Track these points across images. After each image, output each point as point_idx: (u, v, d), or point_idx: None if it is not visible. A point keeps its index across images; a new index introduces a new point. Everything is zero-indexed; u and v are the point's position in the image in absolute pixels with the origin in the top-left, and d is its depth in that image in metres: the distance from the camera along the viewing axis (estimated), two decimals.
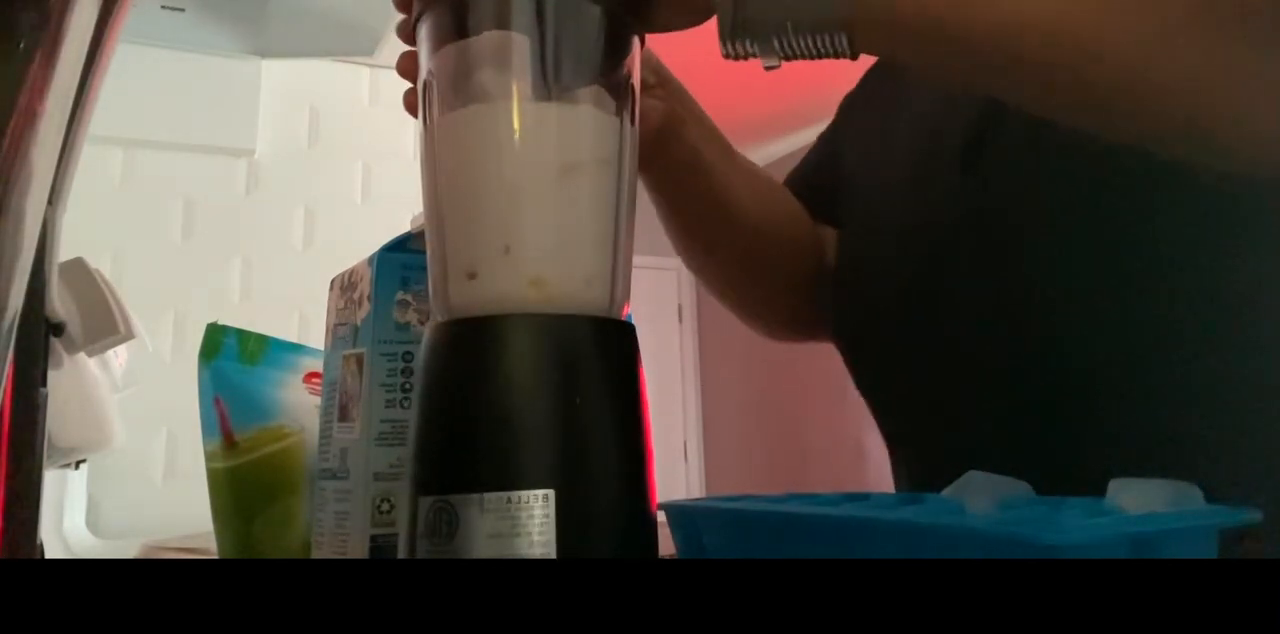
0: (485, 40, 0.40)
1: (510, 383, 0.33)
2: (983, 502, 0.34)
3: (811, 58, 0.36)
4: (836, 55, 0.36)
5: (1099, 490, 0.36)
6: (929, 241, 0.58)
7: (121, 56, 0.60)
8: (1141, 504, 0.34)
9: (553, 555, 0.33)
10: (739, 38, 0.37)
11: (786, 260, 0.63)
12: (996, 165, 0.55)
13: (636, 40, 0.42)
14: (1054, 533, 0.29)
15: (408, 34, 0.43)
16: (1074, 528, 0.30)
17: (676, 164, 0.54)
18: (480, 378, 0.36)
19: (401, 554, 0.37)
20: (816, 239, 0.65)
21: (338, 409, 0.50)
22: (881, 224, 0.62)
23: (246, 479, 0.60)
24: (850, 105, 0.73)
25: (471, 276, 0.38)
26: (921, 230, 0.59)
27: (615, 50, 0.41)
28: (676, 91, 0.53)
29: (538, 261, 0.38)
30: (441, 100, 0.41)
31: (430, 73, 0.41)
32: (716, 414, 4.31)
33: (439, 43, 0.40)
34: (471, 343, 0.37)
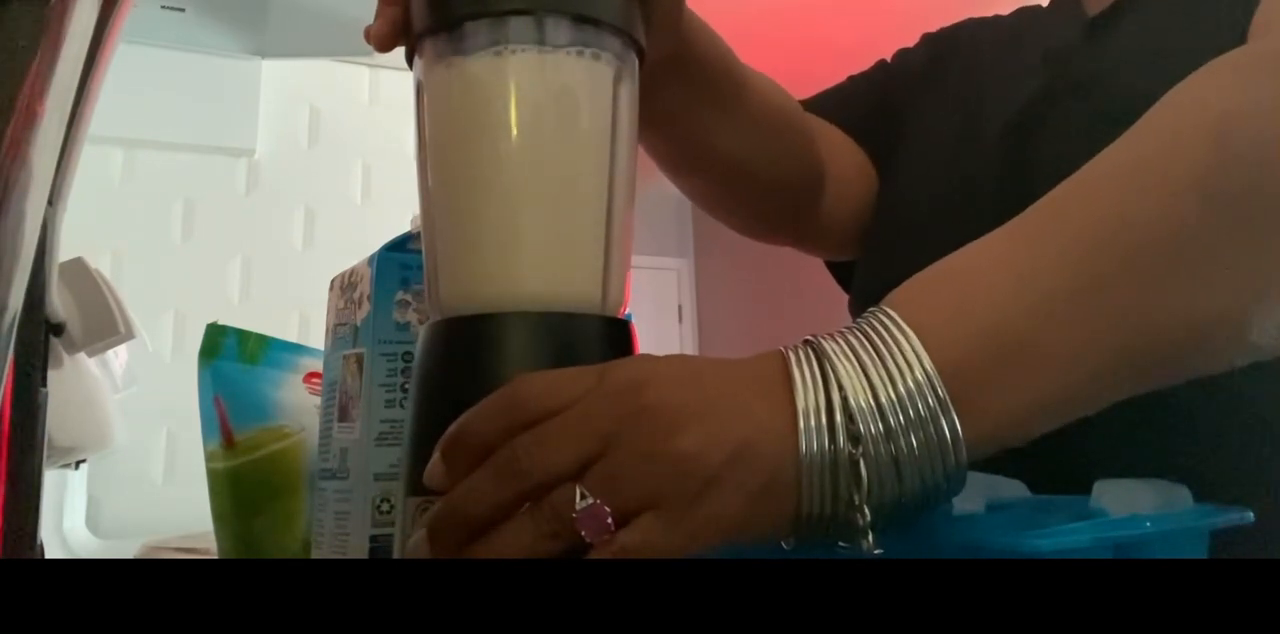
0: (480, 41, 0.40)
1: (501, 381, 0.33)
2: (971, 502, 0.35)
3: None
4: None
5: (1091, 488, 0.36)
6: (964, 219, 0.58)
7: (121, 56, 0.60)
8: (1126, 506, 0.34)
9: None
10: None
11: (786, 158, 0.63)
12: (1043, 145, 0.55)
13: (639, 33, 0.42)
14: (1027, 541, 0.29)
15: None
16: (1049, 535, 0.30)
17: (699, 51, 0.53)
18: (471, 376, 0.36)
19: (395, 554, 0.37)
20: (812, 141, 0.65)
21: (338, 409, 0.50)
22: (918, 195, 0.63)
23: (246, 479, 0.60)
24: (907, 60, 0.73)
25: (462, 274, 0.38)
26: (958, 206, 0.59)
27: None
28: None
29: (530, 259, 0.38)
30: (432, 95, 0.41)
31: (420, 83, 0.41)
32: None
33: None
34: (462, 341, 0.37)
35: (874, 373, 0.31)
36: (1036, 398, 0.32)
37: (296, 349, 0.65)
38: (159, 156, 1.49)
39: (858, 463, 0.30)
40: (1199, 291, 0.33)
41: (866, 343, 0.32)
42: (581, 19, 0.39)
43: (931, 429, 0.30)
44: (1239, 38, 0.47)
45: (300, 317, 1.50)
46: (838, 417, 0.30)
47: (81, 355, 0.81)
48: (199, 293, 1.47)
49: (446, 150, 0.40)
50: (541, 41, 0.39)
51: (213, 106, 1.52)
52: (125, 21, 0.56)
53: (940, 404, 0.30)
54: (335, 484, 0.49)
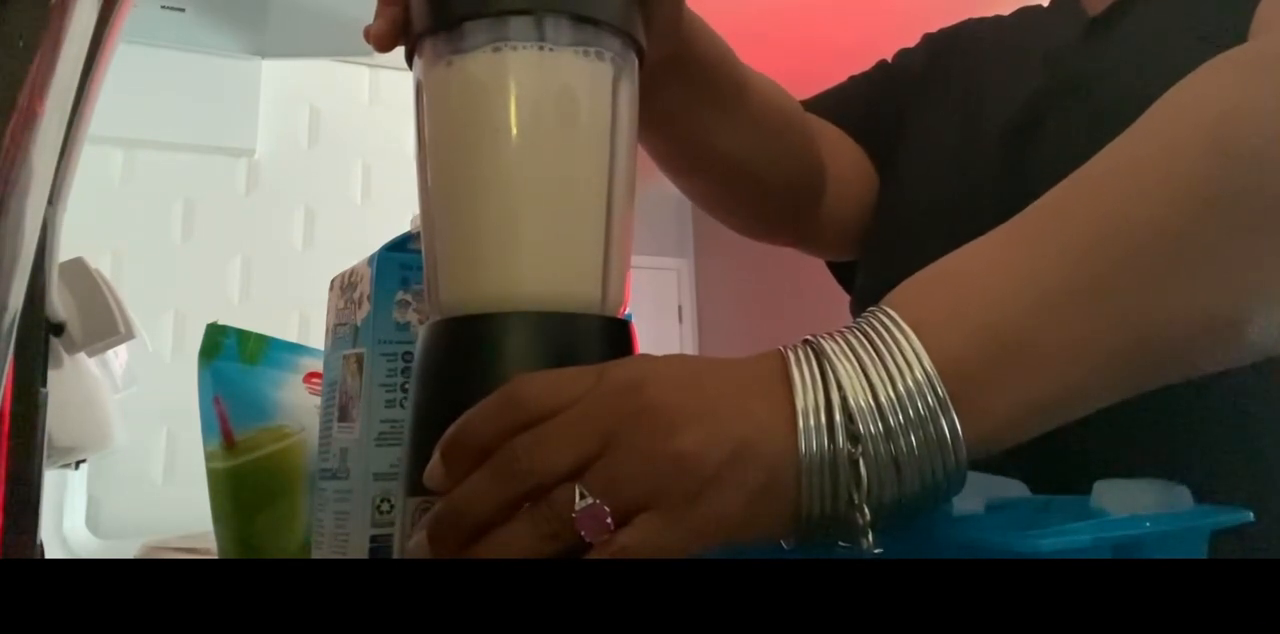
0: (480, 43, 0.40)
1: (501, 381, 0.33)
2: (971, 502, 0.35)
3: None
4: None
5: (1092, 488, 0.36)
6: (965, 219, 0.58)
7: (121, 56, 0.60)
8: (1126, 506, 0.34)
9: None
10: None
11: (786, 158, 0.63)
12: (1043, 145, 0.55)
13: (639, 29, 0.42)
14: (1027, 541, 0.29)
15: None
16: (1049, 535, 0.30)
17: (700, 54, 0.53)
18: (471, 376, 0.36)
19: (395, 554, 0.37)
20: (812, 141, 0.65)
21: (338, 409, 0.50)
22: (919, 195, 0.63)
23: (246, 479, 0.60)
24: (907, 60, 0.73)
25: (462, 274, 0.38)
26: (959, 206, 0.59)
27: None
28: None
29: (530, 259, 0.38)
30: (432, 95, 0.41)
31: (420, 83, 0.41)
32: None
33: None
34: (462, 341, 0.37)
35: (873, 372, 0.31)
36: (1036, 397, 0.32)
37: (296, 349, 0.65)
38: (159, 156, 1.49)
39: (857, 462, 0.30)
40: (1199, 291, 0.33)
41: (866, 342, 0.32)
42: (581, 19, 0.39)
43: (931, 428, 0.30)
44: (1239, 37, 0.47)
45: (300, 317, 1.50)
46: (837, 416, 0.30)
47: (81, 355, 0.81)
48: (199, 293, 1.47)
49: (446, 150, 0.40)
50: (541, 41, 0.39)
51: (213, 106, 1.52)
52: (125, 21, 0.56)
53: (940, 403, 0.30)
54: (335, 484, 0.49)
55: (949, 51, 0.70)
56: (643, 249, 4.54)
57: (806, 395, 0.31)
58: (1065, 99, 0.56)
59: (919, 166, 0.65)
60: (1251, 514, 0.35)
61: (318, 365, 0.59)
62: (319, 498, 0.51)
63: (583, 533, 0.29)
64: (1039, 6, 0.70)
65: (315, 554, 0.51)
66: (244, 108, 1.54)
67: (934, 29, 0.74)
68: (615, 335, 0.39)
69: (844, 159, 0.67)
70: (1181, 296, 0.33)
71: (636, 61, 0.42)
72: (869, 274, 0.67)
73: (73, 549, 1.25)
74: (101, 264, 0.89)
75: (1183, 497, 0.35)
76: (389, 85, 1.66)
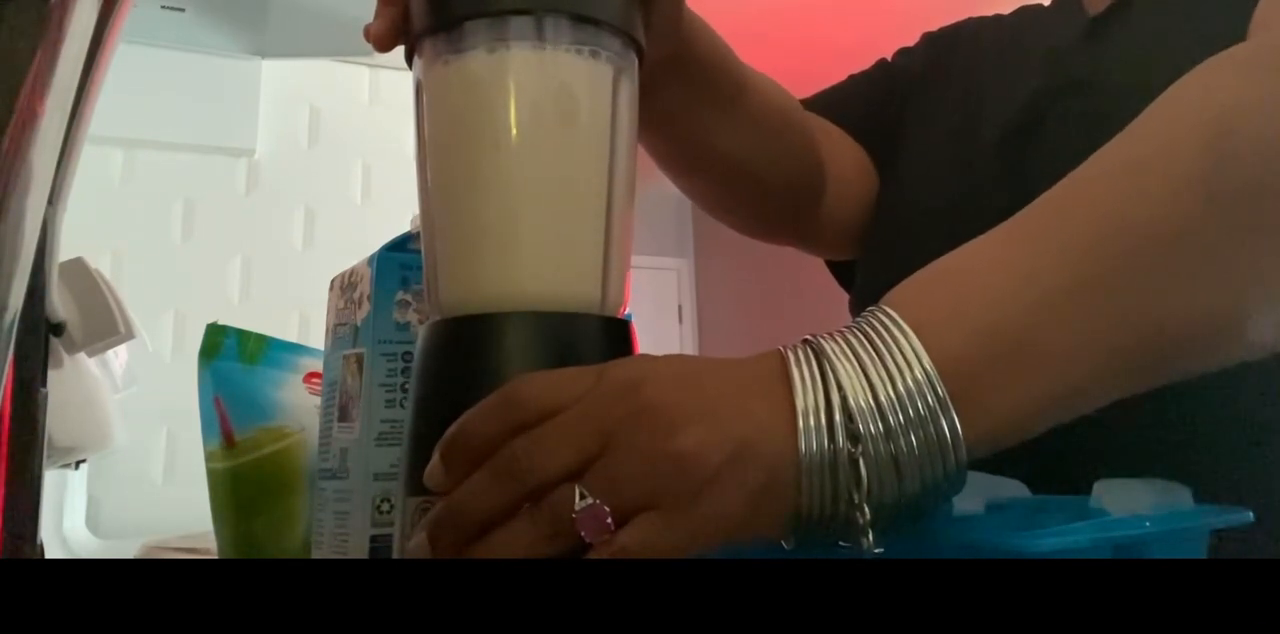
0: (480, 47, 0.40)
1: (501, 381, 0.33)
2: (971, 502, 0.35)
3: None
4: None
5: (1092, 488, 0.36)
6: (965, 218, 0.58)
7: (121, 56, 0.60)
8: (1126, 506, 0.34)
9: None
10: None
11: (786, 158, 0.62)
12: (1043, 145, 0.55)
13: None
14: (1027, 541, 0.29)
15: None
16: (1049, 535, 0.30)
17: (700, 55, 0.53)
18: (471, 376, 0.36)
19: (395, 554, 0.37)
20: (812, 141, 0.65)
21: (338, 409, 0.50)
22: (919, 195, 0.63)
23: (246, 479, 0.60)
24: (907, 60, 0.73)
25: (462, 274, 0.38)
26: (958, 205, 0.59)
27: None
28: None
29: (529, 259, 0.38)
30: (432, 95, 0.41)
31: (419, 83, 0.41)
32: None
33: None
34: (462, 341, 0.37)
35: (873, 372, 0.31)
36: (1036, 396, 0.32)
37: (296, 349, 0.65)
38: (159, 156, 1.49)
39: (857, 462, 0.30)
40: (1199, 290, 0.33)
41: (865, 342, 0.32)
42: (580, 18, 0.39)
43: (931, 428, 0.30)
44: (1239, 37, 0.47)
45: (300, 317, 1.50)
46: (837, 416, 0.30)
47: (81, 355, 0.81)
48: (199, 293, 1.47)
49: (446, 150, 0.40)
50: (540, 41, 0.39)
51: (213, 106, 1.52)
52: (125, 21, 0.56)
53: (940, 403, 0.30)
54: (335, 484, 0.49)
55: (949, 51, 0.70)
56: (643, 249, 4.54)
57: (806, 395, 0.31)
58: (1065, 99, 0.56)
59: (919, 166, 0.65)
60: (1251, 514, 0.35)
61: (318, 365, 0.59)
62: (319, 498, 0.51)
63: (583, 533, 0.29)
64: (1039, 6, 0.70)
65: (315, 554, 0.51)
66: (244, 108, 1.54)
67: (934, 29, 0.74)
68: (615, 335, 0.39)
69: (844, 159, 0.67)
70: (1181, 295, 0.33)
71: (636, 61, 0.42)
72: (869, 274, 0.67)
73: (73, 549, 1.25)
74: (101, 264, 0.89)
75: (1183, 497, 0.35)
76: (389, 85, 1.66)
